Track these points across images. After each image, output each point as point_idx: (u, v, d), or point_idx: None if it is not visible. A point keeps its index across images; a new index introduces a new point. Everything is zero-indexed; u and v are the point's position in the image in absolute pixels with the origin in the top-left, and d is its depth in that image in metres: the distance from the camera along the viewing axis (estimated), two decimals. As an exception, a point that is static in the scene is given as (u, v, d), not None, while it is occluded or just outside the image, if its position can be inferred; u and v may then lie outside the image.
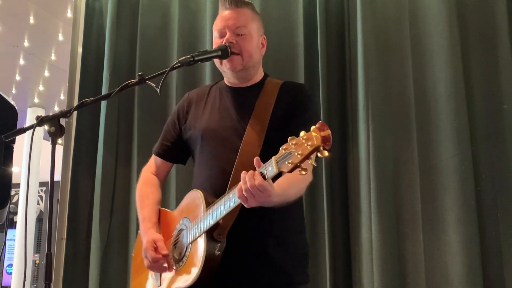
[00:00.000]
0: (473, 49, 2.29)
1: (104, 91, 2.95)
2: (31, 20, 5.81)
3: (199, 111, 1.83)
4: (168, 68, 1.63)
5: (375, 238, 2.24)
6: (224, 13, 1.76)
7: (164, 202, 1.91)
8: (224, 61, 1.73)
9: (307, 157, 1.24)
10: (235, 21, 1.73)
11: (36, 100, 8.16)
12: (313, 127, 1.24)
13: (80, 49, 3.14)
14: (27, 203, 7.50)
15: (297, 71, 2.58)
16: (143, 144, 2.84)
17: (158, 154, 1.92)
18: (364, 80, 2.37)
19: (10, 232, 10.72)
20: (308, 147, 1.23)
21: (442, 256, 2.16)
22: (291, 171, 1.28)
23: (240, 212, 1.55)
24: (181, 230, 1.69)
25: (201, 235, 1.56)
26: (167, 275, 1.70)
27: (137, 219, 1.90)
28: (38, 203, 11.12)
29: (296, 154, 1.25)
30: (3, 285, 10.58)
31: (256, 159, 1.39)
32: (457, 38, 2.27)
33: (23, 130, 1.66)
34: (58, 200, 3.00)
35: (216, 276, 1.56)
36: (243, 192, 1.39)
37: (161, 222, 1.81)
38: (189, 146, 1.84)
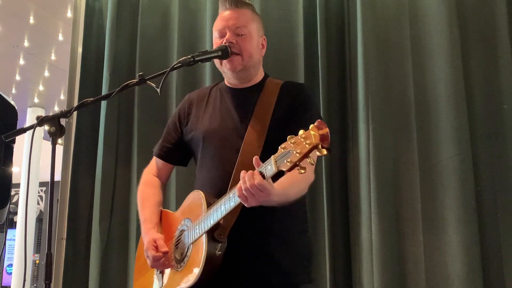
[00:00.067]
0: (473, 49, 2.29)
1: (104, 91, 2.95)
2: (31, 20, 5.81)
3: (200, 113, 1.82)
4: (169, 69, 1.63)
5: (375, 238, 2.24)
6: (224, 13, 1.76)
7: (164, 202, 1.91)
8: (224, 61, 1.73)
9: (306, 155, 1.24)
10: (235, 21, 1.73)
11: (36, 100, 8.16)
12: (311, 126, 1.24)
13: (80, 49, 3.14)
14: (27, 203, 7.49)
15: (297, 71, 2.58)
16: (143, 144, 2.84)
17: (159, 156, 1.92)
18: (364, 80, 2.37)
19: (10, 232, 10.72)
20: (307, 145, 1.24)
21: (442, 256, 2.17)
22: (290, 169, 1.28)
23: (241, 212, 1.55)
24: (182, 230, 1.69)
25: (202, 235, 1.56)
26: (169, 276, 1.70)
27: (138, 219, 1.90)
28: (38, 203, 11.13)
29: (294, 152, 1.25)
30: (3, 285, 10.57)
31: (255, 159, 1.39)
32: (457, 38, 2.27)
33: (23, 130, 1.66)
34: (58, 200, 3.00)
35: (218, 276, 1.56)
36: (243, 192, 1.39)
37: (163, 223, 1.81)
38: (190, 147, 1.84)
